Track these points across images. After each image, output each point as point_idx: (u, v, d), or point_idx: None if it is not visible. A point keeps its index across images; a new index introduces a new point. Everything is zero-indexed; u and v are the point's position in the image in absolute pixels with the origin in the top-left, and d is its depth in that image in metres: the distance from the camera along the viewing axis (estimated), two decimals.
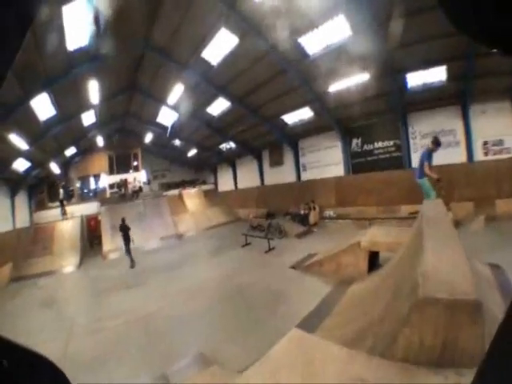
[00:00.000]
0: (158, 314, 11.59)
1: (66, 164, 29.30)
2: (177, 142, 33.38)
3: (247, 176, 32.43)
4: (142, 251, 22.12)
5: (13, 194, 22.72)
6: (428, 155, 9.69)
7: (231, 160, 34.07)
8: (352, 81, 17.27)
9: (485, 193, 16.37)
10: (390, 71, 16.03)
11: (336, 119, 21.58)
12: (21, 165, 21.56)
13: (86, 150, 30.74)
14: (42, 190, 28.96)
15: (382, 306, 5.67)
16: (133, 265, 18.78)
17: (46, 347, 9.24)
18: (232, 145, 30.57)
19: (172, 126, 28.72)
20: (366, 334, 5.21)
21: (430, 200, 9.26)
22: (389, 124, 20.38)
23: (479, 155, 16.68)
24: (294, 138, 26.08)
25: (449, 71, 15.29)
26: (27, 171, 23.01)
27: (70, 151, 27.97)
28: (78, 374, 7.64)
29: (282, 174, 28.30)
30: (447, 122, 17.76)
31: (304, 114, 22.51)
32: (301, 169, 26.67)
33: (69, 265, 20.36)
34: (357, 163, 22.63)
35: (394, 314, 4.68)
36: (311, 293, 10.68)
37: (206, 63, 18.25)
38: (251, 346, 8.05)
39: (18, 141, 17.81)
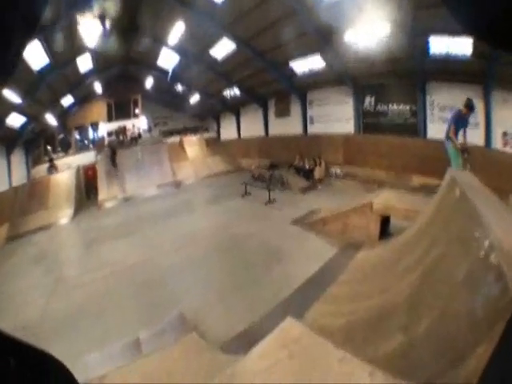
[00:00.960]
0: (147, 264, 11.47)
1: (62, 114, 28.26)
2: (179, 88, 32.21)
3: (251, 125, 31.29)
4: (137, 199, 22.16)
5: (8, 153, 22.41)
6: (456, 119, 8.78)
7: (235, 108, 32.84)
8: (370, 32, 15.92)
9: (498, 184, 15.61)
10: (413, 30, 14.78)
11: (349, 73, 20.21)
12: (15, 120, 20.99)
13: (84, 98, 29.73)
14: (39, 144, 28.22)
15: (407, 288, 4.95)
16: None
17: (28, 306, 9.56)
18: (236, 92, 29.24)
19: (173, 70, 27.75)
20: (389, 322, 4.53)
21: (455, 169, 8.36)
22: (406, 88, 19.12)
23: (498, 144, 15.55)
24: (303, 88, 24.76)
25: (475, 46, 13.98)
26: (23, 126, 22.42)
27: (67, 100, 27.05)
28: (51, 335, 7.80)
29: (287, 126, 27.21)
30: None
31: (315, 63, 20.94)
32: (308, 121, 25.61)
33: (63, 217, 20.15)
34: (368, 123, 21.52)
35: (436, 308, 3.88)
36: (313, 253, 10.28)
37: (210, 0, 17.02)
38: (239, 310, 7.70)
39: (10, 94, 17.16)
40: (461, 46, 14.40)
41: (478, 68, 14.95)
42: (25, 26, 0.55)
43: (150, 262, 11.59)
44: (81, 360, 6.40)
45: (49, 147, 25.89)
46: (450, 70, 16.19)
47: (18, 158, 24.04)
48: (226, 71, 26.19)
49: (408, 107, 19.27)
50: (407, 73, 17.93)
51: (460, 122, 8.70)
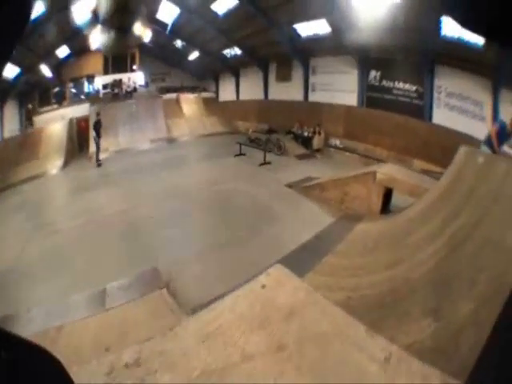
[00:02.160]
0: (129, 214, 11.39)
1: (58, 66, 27.52)
2: (178, 44, 31.63)
3: (251, 88, 30.74)
4: (129, 152, 22.13)
5: (1, 104, 21.94)
6: (501, 132, 8.23)
7: (235, 69, 32.15)
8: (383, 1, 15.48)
9: None
10: (426, 4, 14.26)
11: (355, 42, 19.36)
12: (9, 71, 20.41)
13: (80, 49, 28.68)
14: (34, 96, 27.29)
15: (425, 262, 4.50)
16: (99, 164, 19.45)
17: (3, 252, 9.48)
18: (237, 51, 28.70)
19: (173, 24, 27.20)
20: (408, 302, 4.03)
21: None
22: (414, 67, 18.60)
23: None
24: (306, 53, 24.23)
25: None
26: (16, 77, 21.78)
27: (63, 52, 26.32)
28: (21, 280, 7.74)
29: (288, 91, 26.72)
30: (476, 92, 16.04)
31: (320, 27, 20.47)
32: (309, 88, 25.15)
33: (53, 168, 20.02)
34: (372, 97, 21.09)
35: (481, 283, 3.41)
36: (308, 219, 10.06)
37: None
38: (220, 272, 7.38)
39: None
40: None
41: (489, 61, 14.57)
42: (14, 25, 0.54)
43: (132, 212, 11.52)
44: (42, 308, 6.47)
45: (30, 106, 25.24)
46: (460, 56, 15.76)
47: (11, 111, 23.45)
48: (227, 28, 25.55)
49: (414, 88, 18.89)
50: (416, 50, 17.46)
51: (503, 135, 8.20)
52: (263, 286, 3.14)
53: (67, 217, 11.72)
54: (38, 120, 24.88)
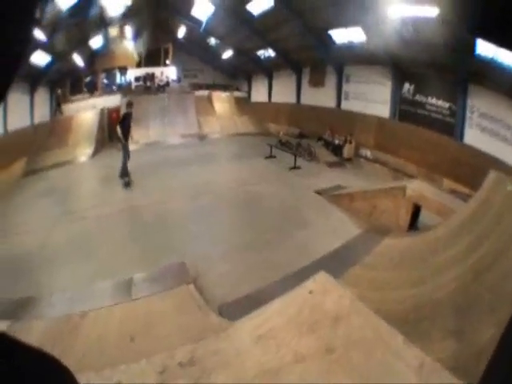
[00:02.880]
0: (158, 207, 11.59)
1: (90, 56, 28.00)
2: (212, 41, 31.89)
3: (283, 91, 30.79)
4: (160, 146, 22.22)
5: (32, 91, 22.08)
6: None
7: (268, 70, 32.25)
8: (419, 14, 15.43)
9: None
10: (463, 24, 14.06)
11: (390, 53, 19.62)
12: (40, 58, 20.71)
13: (113, 41, 29.12)
14: (65, 84, 27.90)
15: (450, 283, 4.71)
16: (127, 182, 14.49)
17: (28, 236, 9.78)
18: (271, 53, 28.84)
19: (207, 21, 27.30)
20: (431, 321, 4.28)
21: None
22: (448, 84, 18.53)
23: None
24: (340, 61, 24.33)
25: None
26: (48, 65, 22.15)
27: (96, 42, 26.56)
28: (45, 265, 8.01)
29: (320, 97, 26.79)
30: (509, 116, 15.64)
31: (355, 35, 20.52)
32: (342, 96, 25.21)
33: (82, 156, 20.44)
34: (405, 110, 21.04)
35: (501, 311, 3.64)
36: (336, 228, 10.05)
37: None
38: (246, 272, 7.51)
39: (36, 32, 16.70)
40: (509, 56, 13.74)
41: None
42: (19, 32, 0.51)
43: (161, 205, 11.70)
44: (66, 293, 6.63)
45: (59, 91, 25.62)
46: (494, 78, 15.57)
47: (42, 97, 23.75)
48: (261, 29, 25.72)
49: (447, 105, 18.73)
50: (449, 67, 17.34)
51: None
52: (310, 292, 3.34)
53: (94, 205, 11.99)
54: (69, 108, 25.48)
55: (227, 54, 32.71)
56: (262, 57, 30.24)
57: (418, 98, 20.11)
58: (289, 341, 2.68)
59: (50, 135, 21.68)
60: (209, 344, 2.68)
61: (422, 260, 6.45)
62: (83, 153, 20.65)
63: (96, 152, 20.93)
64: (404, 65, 19.92)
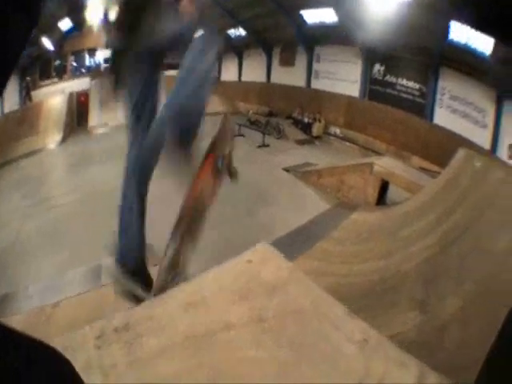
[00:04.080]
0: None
1: (60, 39, 27.30)
2: None
3: (253, 70, 30.62)
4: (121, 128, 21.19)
5: None
6: None
7: (238, 50, 31.83)
8: None
9: None
10: (436, 7, 14.40)
11: (362, 34, 19.21)
12: None
13: (83, 22, 27.79)
14: (34, 70, 26.82)
15: (417, 255, 4.64)
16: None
17: (3, 229, 9.64)
18: (242, 32, 28.64)
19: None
20: (396, 293, 4.18)
21: None
22: (419, 66, 18.74)
23: (504, 155, 15.17)
24: (311, 41, 24.14)
25: (495, 49, 13.58)
26: None
27: (65, 24, 26.05)
28: (20, 257, 7.94)
29: (291, 76, 26.63)
30: (480, 99, 16.16)
31: (328, 16, 20.48)
32: (312, 75, 25.08)
33: (51, 143, 19.90)
34: (375, 90, 21.16)
35: (469, 281, 3.57)
36: (303, 204, 10.14)
37: None
38: (211, 250, 7.22)
39: None
40: (482, 42, 14.06)
41: (495, 72, 14.63)
42: (25, 23, 0.55)
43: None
44: (40, 285, 6.58)
45: (28, 78, 24.93)
46: (466, 62, 15.87)
47: (12, 85, 22.66)
48: (233, 8, 25.59)
49: (418, 86, 18.97)
50: (422, 50, 17.58)
51: None
52: (249, 261, 3.25)
53: (64, 192, 11.77)
54: (38, 94, 24.65)
55: (197, 34, 31.92)
56: (233, 36, 29.80)
57: (389, 78, 20.22)
58: (220, 308, 2.71)
59: (20, 124, 21.02)
60: (143, 310, 2.72)
61: (389, 234, 6.47)
62: (52, 140, 20.17)
63: (65, 138, 20.50)
64: (375, 46, 19.66)
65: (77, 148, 17.92)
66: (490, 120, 15.64)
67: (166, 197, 10.37)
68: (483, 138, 15.70)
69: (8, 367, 0.50)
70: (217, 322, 2.55)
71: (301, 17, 22.02)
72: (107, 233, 8.41)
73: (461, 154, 7.13)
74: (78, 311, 5.23)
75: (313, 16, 21.38)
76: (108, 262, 6.74)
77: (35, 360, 0.55)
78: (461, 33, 14.74)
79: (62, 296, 5.58)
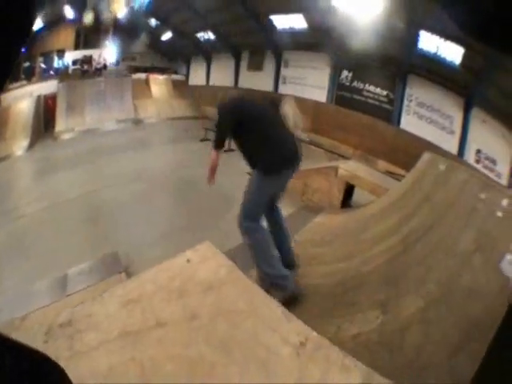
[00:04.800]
0: (92, 197, 11.22)
1: (29, 40, 26.36)
2: (152, 23, 31.53)
3: (222, 74, 30.74)
4: (95, 132, 21.79)
5: None
6: None
7: (207, 54, 32.27)
8: (361, 4, 15.81)
9: None
10: (406, 17, 14.80)
11: (330, 41, 19.68)
12: None
13: (52, 22, 27.99)
14: None
15: (378, 256, 4.70)
16: None
17: None
18: (211, 36, 28.78)
19: (148, 2, 27.45)
20: (357, 293, 4.21)
21: None
22: (387, 73, 19.14)
23: (470, 159, 15.76)
24: (280, 46, 24.32)
25: (465, 58, 14.10)
26: None
27: (35, 24, 25.03)
28: None
29: (258, 81, 26.79)
30: (447, 106, 16.74)
31: (297, 22, 20.71)
32: (280, 80, 25.47)
33: (18, 149, 19.31)
34: (342, 96, 21.51)
35: (429, 282, 3.53)
36: None
37: None
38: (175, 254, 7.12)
39: None
40: (451, 52, 14.50)
41: (463, 81, 15.25)
42: (17, 31, 0.54)
43: (95, 195, 11.32)
44: (7, 297, 6.30)
45: None
46: (435, 71, 16.33)
47: None
48: (202, 11, 25.53)
49: (385, 93, 19.35)
50: (390, 59, 17.91)
51: None
52: (188, 261, 3.35)
53: (31, 201, 11.41)
54: (7, 97, 23.59)
55: (166, 36, 32.56)
56: (202, 39, 30.12)
57: (356, 84, 20.52)
58: (154, 306, 2.80)
59: None
60: (85, 307, 2.85)
61: (352, 236, 6.43)
62: (19, 146, 19.54)
63: (32, 144, 19.91)
64: (344, 53, 19.91)
65: (44, 154, 17.47)
66: (457, 126, 16.07)
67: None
68: (450, 144, 16.09)
69: (4, 376, 0.49)
70: (150, 320, 2.62)
71: (270, 22, 22.11)
72: (73, 243, 8.31)
73: (426, 157, 7.15)
74: (45, 323, 5.00)
75: (282, 21, 21.51)
76: (73, 271, 6.63)
77: (26, 367, 0.54)
78: (430, 42, 15.07)
79: (29, 308, 5.15)
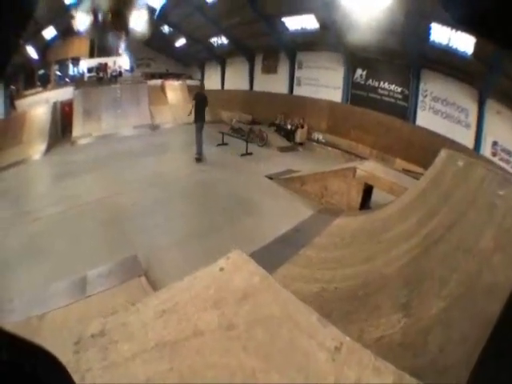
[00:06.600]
0: (110, 201, 11.27)
1: (44, 48, 27.15)
2: (165, 29, 31.67)
3: (236, 78, 30.83)
4: (112, 138, 21.83)
5: None
6: None
7: (221, 58, 32.21)
8: (371, 1, 15.68)
9: None
10: (416, 10, 14.54)
11: (343, 40, 19.44)
12: None
13: (67, 31, 28.07)
14: (19, 79, 26.75)
15: (400, 258, 4.62)
16: (200, 158, 15.39)
17: None
18: (224, 40, 28.80)
19: (161, 9, 27.24)
20: (379, 296, 4.14)
21: None
22: (400, 69, 18.83)
23: (487, 152, 15.30)
24: (293, 47, 24.32)
25: (477, 48, 13.72)
26: None
27: (49, 33, 25.96)
28: (3, 273, 7.40)
29: (273, 83, 26.78)
30: (462, 99, 16.36)
31: (308, 22, 20.62)
32: (295, 82, 25.25)
33: (35, 153, 19.52)
34: (357, 95, 21.20)
35: (452, 281, 3.53)
36: (286, 211, 10.09)
37: None
38: (198, 260, 7.16)
39: None
40: (463, 42, 14.17)
41: (476, 71, 14.81)
42: (16, 24, 0.55)
43: (114, 199, 11.35)
44: (24, 297, 6.37)
45: (13, 87, 24.70)
46: (448, 64, 15.98)
47: None
48: (214, 16, 25.62)
49: (400, 89, 19.05)
50: (403, 54, 17.65)
51: None
52: (221, 269, 3.32)
53: (49, 204, 11.42)
54: (22, 103, 24.21)
55: (180, 42, 32.61)
56: (216, 44, 30.09)
57: (371, 82, 20.28)
58: (190, 316, 2.77)
59: (4, 134, 20.59)
60: (119, 317, 2.81)
61: (373, 238, 6.40)
62: (36, 150, 19.80)
63: (49, 149, 20.13)
64: (357, 51, 19.89)
65: (61, 158, 17.62)
66: (472, 119, 15.75)
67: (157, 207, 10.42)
68: (467, 138, 15.82)
69: (9, 372, 0.50)
70: (187, 329, 2.60)
71: (282, 24, 22.07)
72: (91, 245, 8.38)
73: (443, 154, 7.09)
74: (65, 323, 5.13)
75: (294, 23, 21.46)
76: (93, 273, 6.70)
77: (29, 363, 0.55)
78: (442, 34, 14.80)
79: (47, 308, 5.47)
